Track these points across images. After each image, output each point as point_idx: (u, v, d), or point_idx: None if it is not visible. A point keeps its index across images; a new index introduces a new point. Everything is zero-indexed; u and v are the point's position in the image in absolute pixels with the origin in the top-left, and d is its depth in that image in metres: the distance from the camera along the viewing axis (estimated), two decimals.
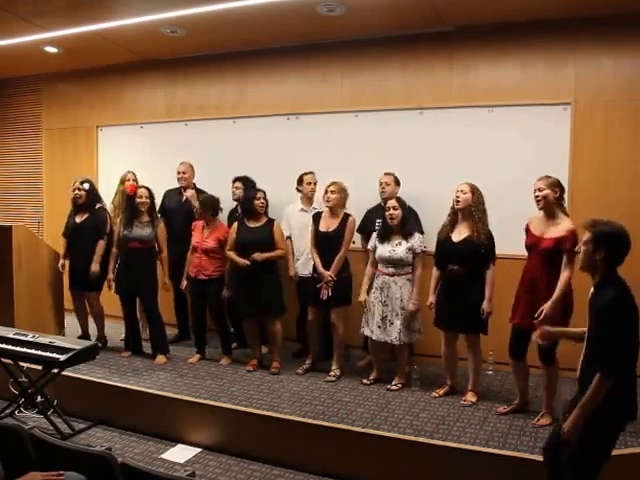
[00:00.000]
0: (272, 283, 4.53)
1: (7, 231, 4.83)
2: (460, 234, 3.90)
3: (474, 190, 3.87)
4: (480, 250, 3.80)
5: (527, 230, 3.67)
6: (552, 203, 3.54)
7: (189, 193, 5.21)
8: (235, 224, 4.64)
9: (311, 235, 4.52)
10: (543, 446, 2.68)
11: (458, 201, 3.86)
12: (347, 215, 4.46)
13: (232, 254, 4.55)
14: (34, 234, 5.22)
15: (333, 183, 4.44)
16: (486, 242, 3.82)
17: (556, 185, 3.56)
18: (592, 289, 2.42)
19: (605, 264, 2.33)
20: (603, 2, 4.08)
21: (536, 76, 4.56)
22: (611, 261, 2.33)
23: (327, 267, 4.35)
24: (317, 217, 4.53)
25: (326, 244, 4.41)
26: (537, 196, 3.56)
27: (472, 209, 3.85)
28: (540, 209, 3.59)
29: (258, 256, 4.41)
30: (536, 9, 4.28)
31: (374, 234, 4.34)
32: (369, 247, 4.33)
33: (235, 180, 5.07)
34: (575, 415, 2.32)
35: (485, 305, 3.82)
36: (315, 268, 4.45)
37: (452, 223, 3.95)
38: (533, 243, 3.58)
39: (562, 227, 3.47)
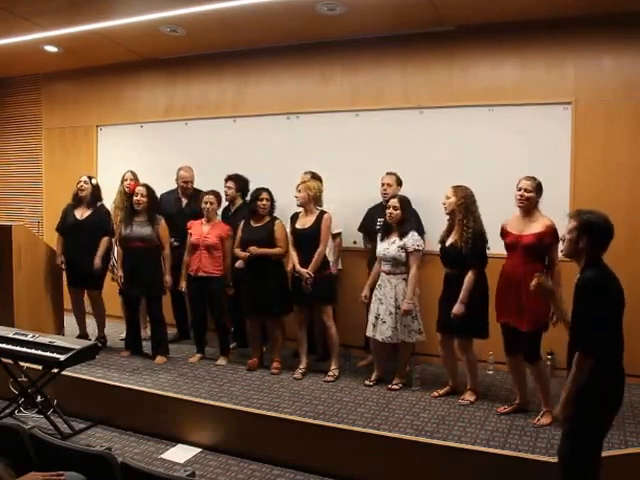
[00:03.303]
0: (277, 284, 4.50)
1: (7, 231, 4.81)
2: (451, 239, 3.90)
3: (457, 192, 3.85)
4: (462, 254, 3.78)
5: (504, 231, 3.69)
6: (533, 205, 3.61)
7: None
8: (242, 223, 4.67)
9: (290, 235, 4.53)
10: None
11: (445, 207, 3.90)
12: (322, 212, 4.47)
13: (238, 250, 4.60)
14: (34, 234, 5.21)
15: (301, 182, 4.47)
16: (467, 245, 3.76)
17: (540, 189, 3.64)
18: (578, 274, 2.46)
19: (588, 251, 2.39)
20: (603, 2, 4.07)
21: (536, 76, 4.56)
22: (594, 248, 2.39)
23: (307, 265, 4.35)
24: (294, 217, 4.55)
25: (304, 242, 4.41)
26: (522, 195, 3.60)
27: (456, 212, 3.85)
28: (519, 207, 3.63)
29: (254, 250, 4.43)
30: (536, 9, 4.27)
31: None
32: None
33: (227, 179, 5.00)
34: (562, 398, 2.36)
35: (455, 307, 3.78)
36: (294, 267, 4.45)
37: (449, 228, 3.96)
38: (513, 242, 3.62)
39: (541, 223, 3.55)
